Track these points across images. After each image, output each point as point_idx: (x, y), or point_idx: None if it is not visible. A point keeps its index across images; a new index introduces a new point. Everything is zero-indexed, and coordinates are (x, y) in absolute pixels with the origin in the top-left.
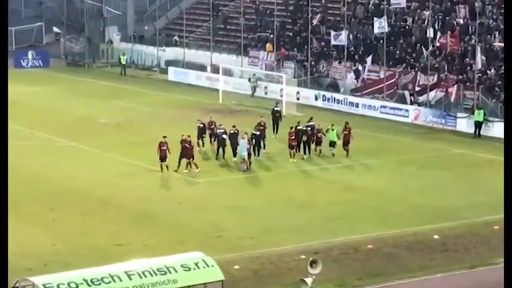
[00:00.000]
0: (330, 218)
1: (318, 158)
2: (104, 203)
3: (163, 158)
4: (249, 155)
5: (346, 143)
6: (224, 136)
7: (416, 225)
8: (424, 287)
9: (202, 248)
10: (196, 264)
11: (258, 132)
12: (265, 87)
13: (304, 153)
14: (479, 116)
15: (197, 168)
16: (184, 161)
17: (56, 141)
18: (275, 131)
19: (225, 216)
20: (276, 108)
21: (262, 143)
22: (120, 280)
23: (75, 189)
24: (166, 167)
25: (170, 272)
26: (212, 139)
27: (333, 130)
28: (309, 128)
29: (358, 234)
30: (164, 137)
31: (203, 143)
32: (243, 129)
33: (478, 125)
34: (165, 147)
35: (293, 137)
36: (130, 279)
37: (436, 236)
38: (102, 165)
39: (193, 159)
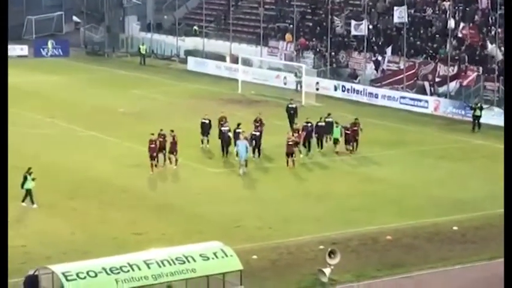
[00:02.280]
0: (348, 208)
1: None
2: (123, 192)
3: (153, 157)
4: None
5: (353, 140)
6: (229, 134)
7: (436, 216)
8: (443, 278)
9: (220, 238)
10: (214, 253)
11: (257, 133)
12: (285, 78)
13: (309, 150)
14: (477, 111)
15: (176, 163)
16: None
17: (75, 130)
18: (291, 128)
19: (243, 206)
20: (290, 105)
21: (261, 144)
22: (139, 269)
23: (94, 178)
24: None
25: (189, 261)
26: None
27: (336, 127)
28: (309, 125)
29: (377, 225)
30: (152, 134)
31: (208, 140)
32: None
33: (476, 118)
34: (154, 145)
35: (291, 143)
36: (149, 268)
37: (455, 227)
38: (121, 155)
39: (176, 153)
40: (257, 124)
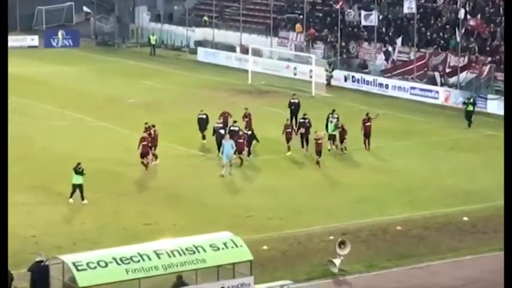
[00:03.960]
0: (358, 199)
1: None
2: (133, 183)
3: (144, 155)
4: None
5: (367, 135)
6: (222, 131)
7: (446, 207)
8: (454, 269)
9: (231, 228)
10: (225, 244)
11: (249, 132)
12: (295, 68)
13: (302, 146)
14: (469, 106)
15: (156, 159)
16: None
17: (86, 121)
18: (293, 124)
19: (254, 197)
20: (292, 100)
21: (251, 143)
22: (149, 259)
23: (105, 169)
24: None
25: (199, 252)
26: (225, 130)
27: (331, 122)
28: (306, 121)
29: (387, 215)
30: (144, 131)
31: (204, 136)
32: (269, 109)
33: (469, 114)
34: (146, 143)
35: (289, 130)
36: (159, 258)
37: (465, 218)
38: (131, 145)
39: (155, 149)
40: (246, 119)
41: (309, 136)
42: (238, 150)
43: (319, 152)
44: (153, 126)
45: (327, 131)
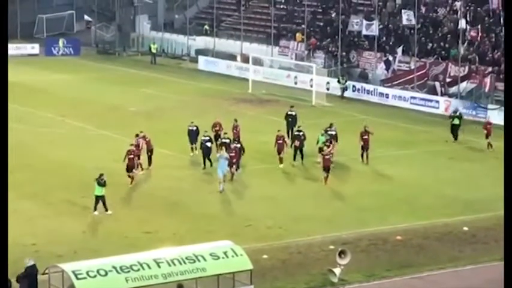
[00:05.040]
0: (359, 208)
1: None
2: (134, 191)
3: (130, 168)
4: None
5: (365, 149)
6: (208, 144)
7: (446, 216)
8: (454, 279)
9: (231, 237)
10: (225, 253)
11: (238, 145)
12: (295, 77)
13: (294, 159)
14: (455, 120)
15: (142, 169)
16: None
17: (86, 129)
18: (289, 136)
19: (254, 206)
20: (289, 112)
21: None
22: (149, 268)
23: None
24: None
25: (199, 261)
26: (217, 142)
27: (322, 135)
28: (301, 133)
29: (387, 225)
30: (131, 144)
31: (195, 148)
32: (269, 117)
33: (455, 128)
34: (132, 156)
35: (280, 141)
36: (159, 267)
37: (465, 228)
38: None
39: (138, 158)
40: (235, 131)
41: (303, 149)
42: (230, 164)
43: (327, 168)
44: (142, 132)
45: (317, 143)
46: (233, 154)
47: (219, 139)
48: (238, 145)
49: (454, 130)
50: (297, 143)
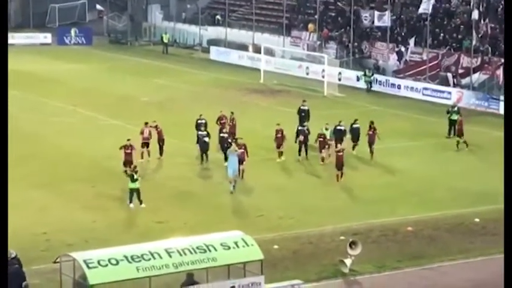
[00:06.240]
0: (370, 200)
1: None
2: (145, 181)
3: (127, 163)
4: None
5: (370, 144)
6: (206, 139)
7: (457, 208)
8: (464, 270)
9: (242, 227)
10: (235, 243)
11: (242, 141)
12: (307, 68)
13: (299, 154)
14: (453, 115)
15: (142, 158)
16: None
17: (98, 119)
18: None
19: (265, 196)
20: (302, 107)
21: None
22: (160, 257)
23: (116, 167)
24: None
25: (210, 251)
26: (220, 135)
27: (326, 129)
28: (305, 128)
29: (398, 216)
30: (128, 139)
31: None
32: (281, 108)
33: (452, 123)
34: (130, 151)
35: (279, 135)
36: (170, 256)
37: (476, 219)
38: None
39: (162, 145)
40: (230, 124)
41: (307, 143)
42: (240, 161)
43: (340, 165)
44: (152, 124)
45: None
46: (242, 150)
47: (222, 133)
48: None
49: (451, 125)
50: (301, 137)
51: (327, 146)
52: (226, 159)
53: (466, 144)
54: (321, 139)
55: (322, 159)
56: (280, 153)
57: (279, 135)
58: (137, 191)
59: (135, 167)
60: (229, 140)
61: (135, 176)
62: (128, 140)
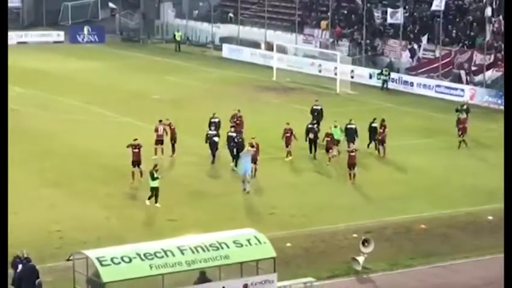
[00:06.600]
0: (382, 197)
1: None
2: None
3: (136, 163)
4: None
5: (381, 142)
6: (215, 139)
7: (470, 206)
8: (477, 268)
9: (254, 225)
10: (248, 240)
11: (240, 139)
12: (320, 65)
13: (310, 152)
14: (462, 113)
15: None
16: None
17: (110, 116)
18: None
19: (277, 194)
20: (315, 107)
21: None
22: (173, 255)
23: (129, 164)
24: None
25: (222, 248)
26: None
27: (335, 127)
28: (315, 126)
29: (411, 214)
30: (135, 139)
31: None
32: (294, 106)
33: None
34: (137, 150)
35: (288, 134)
36: (182, 254)
37: (489, 217)
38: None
39: (174, 143)
40: (237, 122)
41: (317, 141)
42: (253, 160)
43: (352, 165)
44: (165, 122)
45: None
46: (255, 149)
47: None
48: (239, 139)
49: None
50: (311, 135)
51: (334, 146)
52: (232, 158)
53: (465, 143)
54: (328, 139)
55: (329, 160)
56: (289, 153)
57: (288, 134)
58: (156, 190)
59: (156, 165)
60: (236, 139)
61: (155, 175)
62: (135, 139)
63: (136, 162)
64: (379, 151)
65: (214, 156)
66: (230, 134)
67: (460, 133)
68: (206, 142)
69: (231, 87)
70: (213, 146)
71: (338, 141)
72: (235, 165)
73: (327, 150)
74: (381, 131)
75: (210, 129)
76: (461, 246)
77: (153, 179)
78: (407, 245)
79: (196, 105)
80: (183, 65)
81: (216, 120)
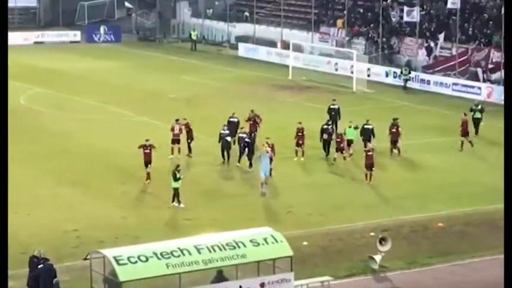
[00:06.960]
0: (399, 195)
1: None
2: None
3: (147, 163)
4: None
5: (394, 142)
6: (228, 139)
7: (488, 203)
8: (495, 266)
9: (271, 224)
10: (265, 239)
11: (249, 140)
12: (336, 64)
13: (324, 151)
14: (477, 113)
15: (171, 154)
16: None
17: (126, 115)
18: (333, 130)
19: (294, 193)
20: (332, 106)
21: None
22: (190, 254)
23: None
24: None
25: (239, 247)
26: (238, 135)
27: (350, 127)
28: (329, 126)
29: (428, 212)
30: (147, 140)
31: (234, 141)
32: (310, 104)
33: (476, 122)
34: (148, 150)
35: (300, 134)
36: (199, 253)
37: None
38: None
39: (190, 142)
40: (250, 122)
41: (331, 142)
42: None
43: (369, 166)
44: (147, 140)
45: (345, 133)
46: (270, 149)
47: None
48: (248, 140)
49: (475, 124)
50: (325, 135)
51: (347, 147)
52: (239, 159)
53: (462, 144)
54: (338, 140)
55: (344, 159)
56: (300, 152)
57: (300, 133)
58: (177, 190)
59: (178, 165)
60: (246, 140)
61: (178, 175)
62: (147, 140)
63: (147, 163)
64: (391, 151)
65: (224, 156)
66: (241, 134)
67: (461, 134)
68: (219, 142)
69: (246, 86)
70: (226, 146)
71: (351, 141)
72: (239, 162)
73: (337, 151)
74: (394, 130)
75: (223, 129)
76: (479, 244)
77: (176, 179)
78: (425, 243)
79: (212, 104)
80: (199, 64)
81: (235, 120)
